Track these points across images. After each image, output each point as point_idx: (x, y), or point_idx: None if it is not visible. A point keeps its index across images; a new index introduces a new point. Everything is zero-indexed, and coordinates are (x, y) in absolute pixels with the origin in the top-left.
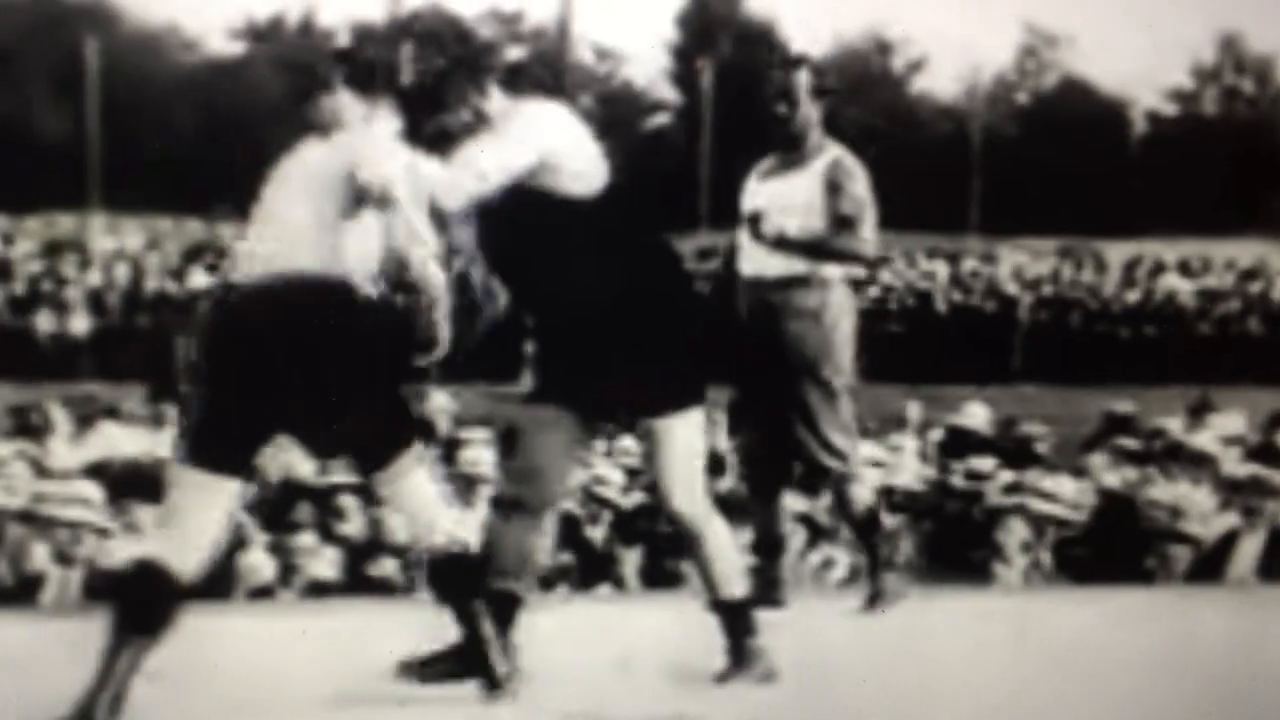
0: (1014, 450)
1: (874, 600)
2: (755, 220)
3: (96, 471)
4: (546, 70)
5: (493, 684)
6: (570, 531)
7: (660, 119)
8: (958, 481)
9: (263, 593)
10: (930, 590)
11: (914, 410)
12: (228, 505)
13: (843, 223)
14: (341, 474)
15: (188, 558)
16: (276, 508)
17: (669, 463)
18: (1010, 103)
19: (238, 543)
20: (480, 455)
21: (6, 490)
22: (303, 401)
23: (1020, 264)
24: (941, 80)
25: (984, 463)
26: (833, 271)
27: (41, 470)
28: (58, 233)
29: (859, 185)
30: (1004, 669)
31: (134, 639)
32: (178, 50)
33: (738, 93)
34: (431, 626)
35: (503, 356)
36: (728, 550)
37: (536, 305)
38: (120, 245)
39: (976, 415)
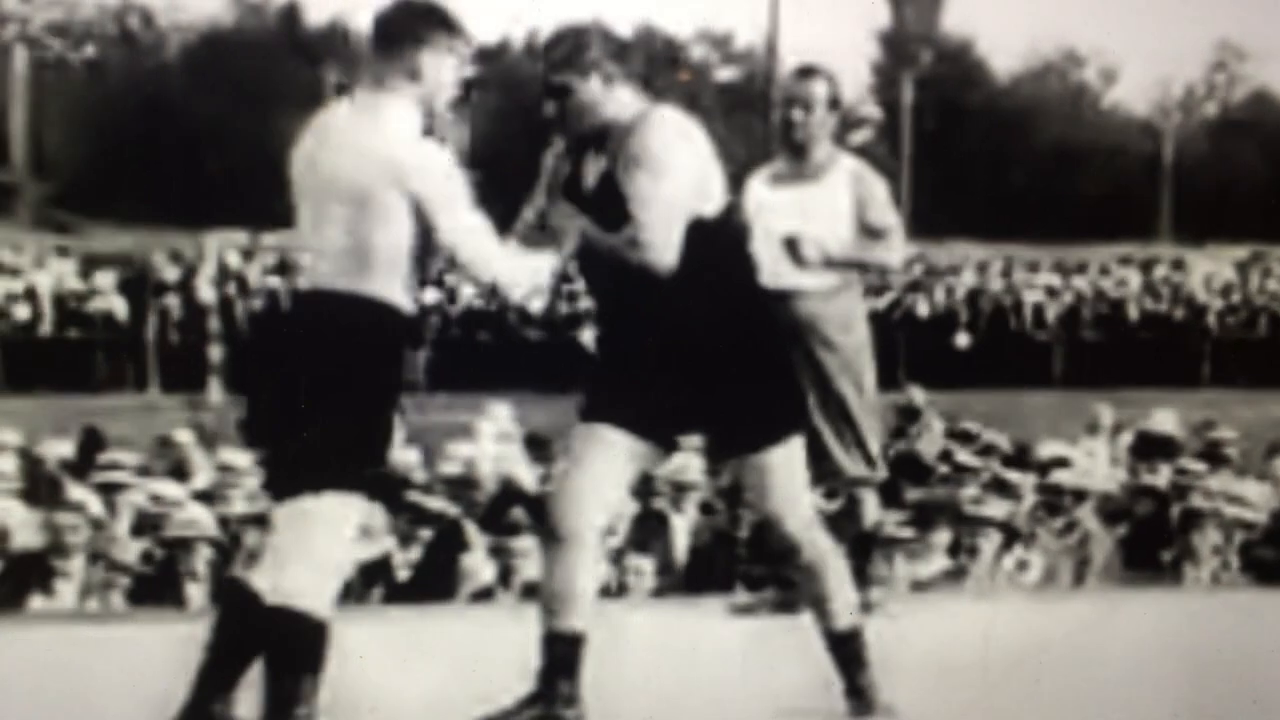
0: (1203, 454)
1: (862, 610)
2: (792, 244)
3: None
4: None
5: None
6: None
7: (862, 134)
8: (1160, 482)
9: (484, 594)
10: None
11: (1106, 415)
12: (348, 529)
13: (871, 233)
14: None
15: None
16: (496, 511)
17: (776, 491)
18: (1200, 114)
19: (460, 545)
20: (689, 462)
21: (245, 498)
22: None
23: (1210, 272)
24: (1134, 93)
25: (1193, 464)
26: (852, 277)
27: None
28: (294, 249)
29: (883, 196)
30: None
31: (227, 652)
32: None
33: (938, 107)
34: (634, 626)
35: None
36: (846, 578)
37: (628, 329)
38: None
39: (1166, 421)
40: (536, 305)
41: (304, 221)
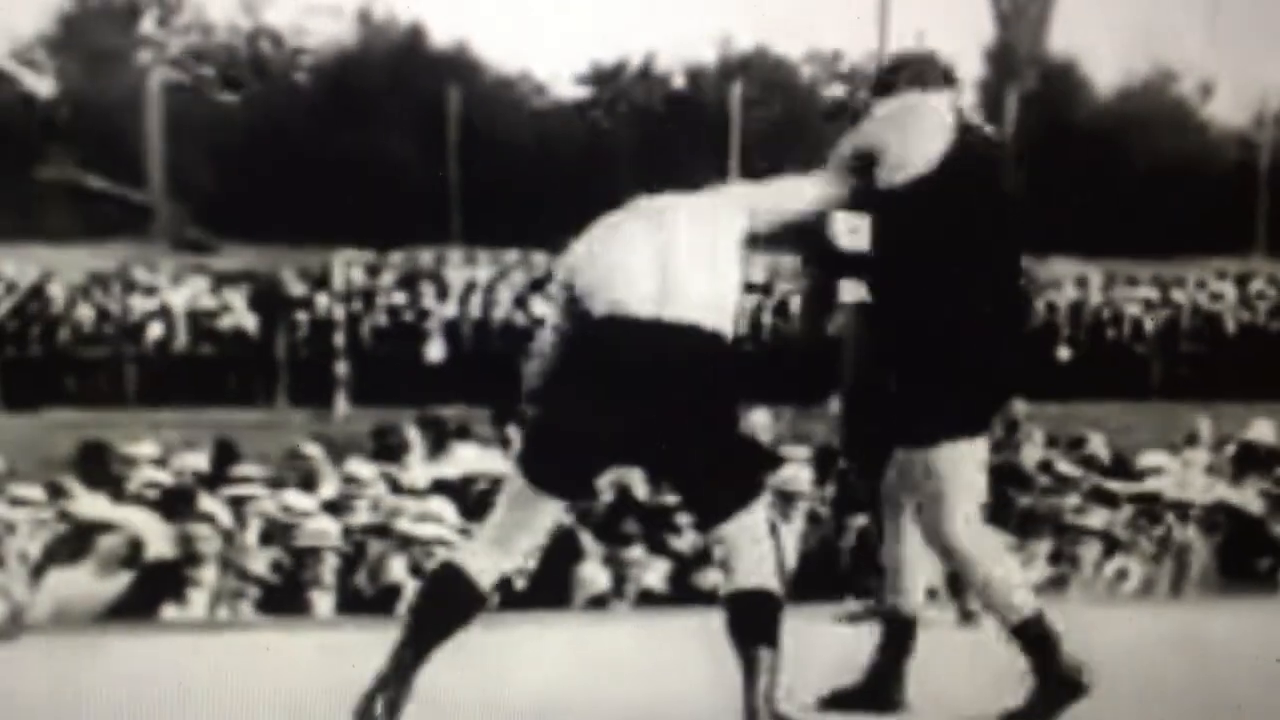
0: None
1: (962, 618)
2: None
3: (448, 489)
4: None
5: None
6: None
7: None
8: (1258, 492)
9: (598, 602)
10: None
11: (1204, 426)
12: (551, 522)
13: None
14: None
15: (493, 567)
16: (611, 522)
17: (952, 490)
18: None
19: (575, 555)
20: (798, 473)
21: (369, 507)
22: (658, 444)
23: None
24: (1228, 107)
25: None
26: None
27: (399, 489)
28: (418, 266)
29: None
30: None
31: (429, 633)
32: (530, 95)
33: (1041, 124)
34: None
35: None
36: (1013, 572)
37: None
38: (473, 277)
39: (1263, 431)
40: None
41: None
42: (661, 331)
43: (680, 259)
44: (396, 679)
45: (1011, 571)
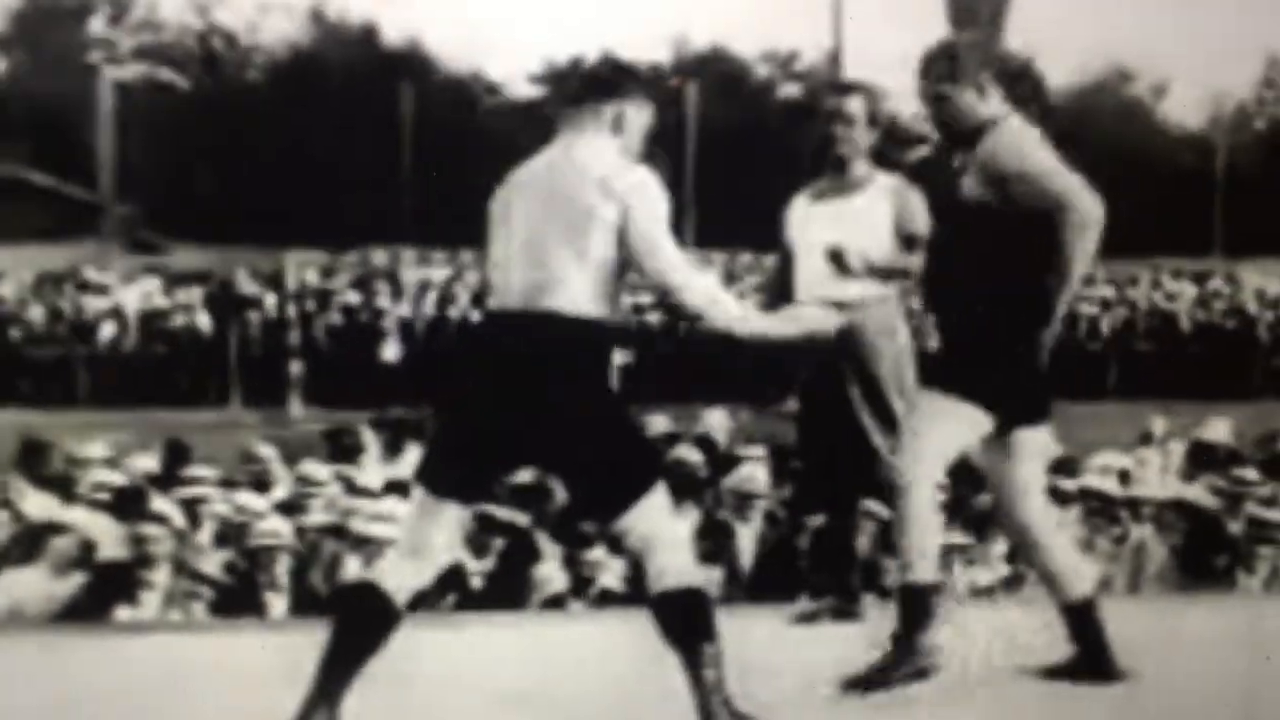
0: (1263, 464)
1: None
2: (836, 256)
3: (402, 489)
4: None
5: None
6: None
7: (918, 151)
8: (1214, 490)
9: (555, 602)
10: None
11: (1159, 425)
12: (457, 531)
13: (911, 244)
14: None
15: (407, 580)
16: (568, 522)
17: (1026, 470)
18: (1250, 130)
19: (532, 555)
20: (755, 472)
21: (324, 508)
22: (546, 441)
23: (1261, 285)
24: (1185, 109)
25: (1247, 472)
26: (893, 286)
27: (354, 489)
28: (372, 266)
29: (922, 207)
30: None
31: (349, 654)
32: (482, 95)
33: None
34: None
35: (776, 378)
36: (1071, 551)
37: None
38: (428, 276)
39: (1219, 429)
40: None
41: (513, 248)
42: (529, 322)
43: (546, 245)
44: (325, 700)
45: (1072, 552)
